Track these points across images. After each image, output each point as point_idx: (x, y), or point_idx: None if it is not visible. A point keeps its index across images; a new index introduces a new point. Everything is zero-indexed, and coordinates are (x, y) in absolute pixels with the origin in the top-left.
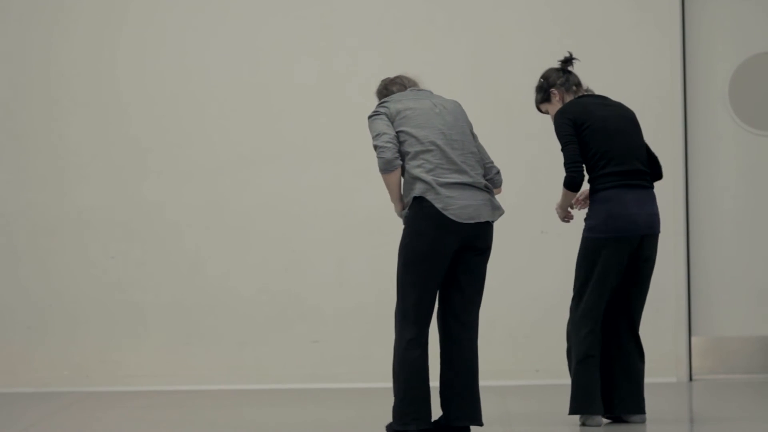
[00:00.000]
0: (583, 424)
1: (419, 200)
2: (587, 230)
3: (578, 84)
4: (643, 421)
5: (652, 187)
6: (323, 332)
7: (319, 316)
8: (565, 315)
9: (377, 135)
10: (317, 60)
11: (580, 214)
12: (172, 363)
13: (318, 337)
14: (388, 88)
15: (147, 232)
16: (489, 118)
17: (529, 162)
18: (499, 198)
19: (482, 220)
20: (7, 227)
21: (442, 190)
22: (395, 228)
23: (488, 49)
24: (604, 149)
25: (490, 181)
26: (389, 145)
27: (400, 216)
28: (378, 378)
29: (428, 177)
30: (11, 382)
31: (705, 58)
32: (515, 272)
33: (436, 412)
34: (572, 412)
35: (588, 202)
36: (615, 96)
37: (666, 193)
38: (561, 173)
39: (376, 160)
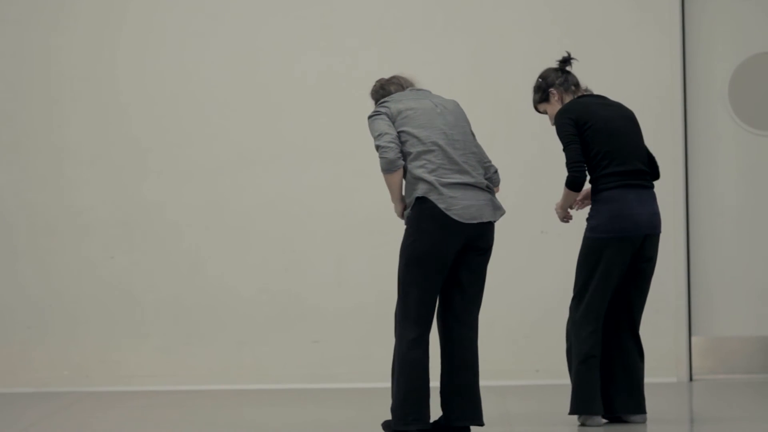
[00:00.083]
0: (582, 425)
1: (422, 200)
2: (589, 230)
3: (577, 84)
4: (644, 421)
5: (653, 187)
6: (323, 332)
7: (319, 316)
8: (565, 315)
9: (379, 135)
10: (317, 60)
11: (579, 215)
12: (172, 363)
13: (318, 337)
14: (384, 88)
15: (147, 232)
16: (489, 118)
17: (529, 162)
18: (500, 198)
19: (484, 220)
20: (7, 227)
21: (445, 191)
22: (395, 228)
23: (488, 49)
24: (606, 149)
25: (488, 180)
26: (392, 145)
27: (400, 216)
28: (378, 378)
29: (431, 177)
30: (11, 382)
31: (705, 58)
32: (515, 272)
33: (435, 413)
34: (573, 412)
35: (586, 202)
36: (615, 96)
37: (666, 193)
38: (561, 173)
39: (375, 160)
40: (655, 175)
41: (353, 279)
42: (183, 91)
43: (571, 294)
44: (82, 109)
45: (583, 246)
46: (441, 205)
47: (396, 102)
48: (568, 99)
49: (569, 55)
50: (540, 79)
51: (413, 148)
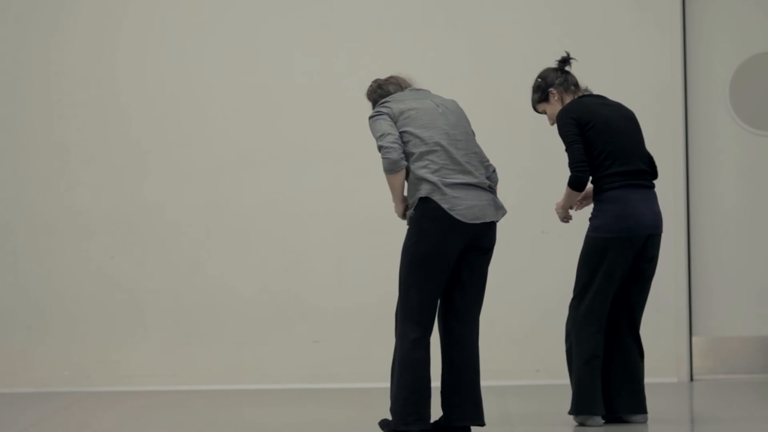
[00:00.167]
0: (581, 425)
1: (425, 201)
2: (593, 230)
3: (576, 84)
4: (645, 421)
5: (654, 187)
6: (323, 332)
7: (319, 316)
8: (566, 315)
9: (381, 135)
10: (317, 60)
11: (579, 215)
12: (172, 363)
13: (318, 337)
14: (382, 88)
15: (147, 232)
16: (489, 118)
17: (530, 162)
18: (499, 198)
19: (487, 220)
20: (7, 227)
21: (448, 191)
22: (395, 228)
23: (488, 49)
24: (609, 149)
25: (488, 179)
26: (395, 145)
27: (401, 217)
28: (378, 378)
29: (434, 178)
30: (11, 382)
31: (705, 58)
32: (515, 272)
33: (435, 413)
34: (574, 412)
35: (585, 203)
36: (615, 96)
37: (666, 193)
38: (561, 173)
39: (375, 160)
40: (654, 174)
41: (353, 279)
42: (183, 91)
43: (571, 294)
44: (82, 109)
45: (586, 246)
46: (444, 206)
47: (397, 102)
48: (567, 99)
49: (568, 55)
50: (539, 79)
51: (416, 148)
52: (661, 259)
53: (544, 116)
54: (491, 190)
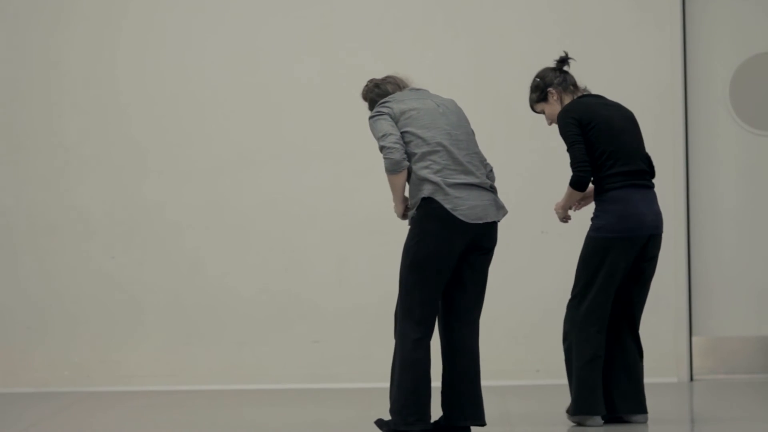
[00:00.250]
0: (579, 424)
1: (428, 201)
2: (595, 230)
3: (575, 84)
4: (645, 421)
5: (654, 187)
6: (323, 332)
7: (319, 316)
8: None
9: (383, 136)
10: (317, 60)
11: (578, 215)
12: (172, 363)
13: (318, 337)
14: (380, 87)
15: (147, 232)
16: (489, 118)
17: (530, 162)
18: (500, 198)
19: (489, 220)
20: (7, 227)
21: (451, 191)
22: (395, 228)
23: (488, 49)
24: (610, 149)
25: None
26: (397, 146)
27: (401, 217)
28: (378, 378)
29: (436, 178)
30: (11, 382)
31: (705, 58)
32: (515, 272)
33: (435, 412)
34: (575, 412)
35: (584, 203)
36: (615, 96)
37: (666, 193)
38: (561, 173)
39: (375, 160)
40: (653, 174)
41: (353, 279)
42: (183, 91)
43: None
44: (82, 109)
45: (587, 245)
46: (447, 206)
47: (398, 102)
48: (567, 99)
49: (567, 54)
50: (538, 79)
51: (418, 148)
52: (661, 259)
53: (543, 116)
54: (492, 190)
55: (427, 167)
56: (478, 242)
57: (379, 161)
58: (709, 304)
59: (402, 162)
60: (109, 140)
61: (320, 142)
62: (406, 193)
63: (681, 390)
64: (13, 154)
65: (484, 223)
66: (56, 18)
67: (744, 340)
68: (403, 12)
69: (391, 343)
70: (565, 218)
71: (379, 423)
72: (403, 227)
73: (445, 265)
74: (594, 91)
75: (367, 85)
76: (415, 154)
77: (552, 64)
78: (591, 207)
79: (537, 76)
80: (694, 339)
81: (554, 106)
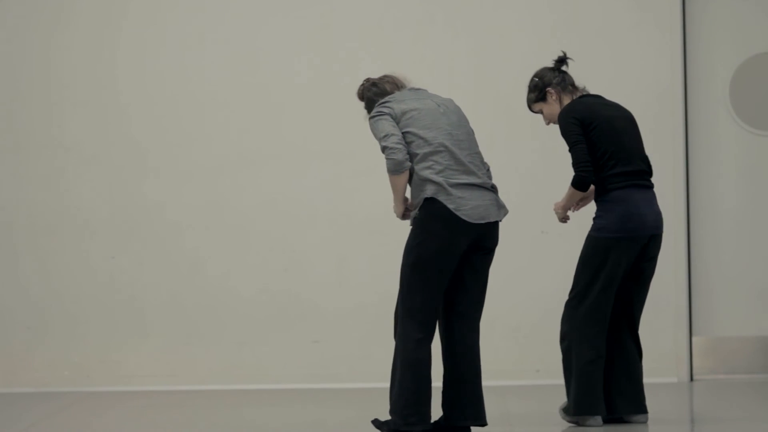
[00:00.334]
0: (578, 424)
1: (431, 201)
2: (597, 230)
3: (573, 84)
4: (646, 421)
5: (653, 187)
6: (323, 332)
7: (319, 316)
8: None
9: (385, 136)
10: (317, 60)
11: (578, 214)
12: (172, 363)
13: (318, 337)
14: (378, 86)
15: (147, 232)
16: (489, 118)
17: (529, 162)
18: (500, 197)
19: (491, 219)
20: (7, 227)
21: (454, 191)
22: (395, 228)
23: (488, 49)
24: (612, 149)
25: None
26: (400, 146)
27: (400, 217)
28: (378, 378)
29: (439, 178)
30: (11, 382)
31: (705, 58)
32: (515, 272)
33: (435, 412)
34: (575, 412)
35: (582, 204)
36: (615, 96)
37: (666, 193)
38: (561, 173)
39: (375, 159)
40: (651, 174)
41: (353, 279)
42: (183, 91)
43: None
44: (82, 109)
45: (588, 246)
46: (450, 206)
47: (399, 102)
48: (565, 98)
49: (565, 54)
50: (536, 78)
51: (420, 149)
52: (661, 259)
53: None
54: (493, 189)
55: (429, 168)
56: (480, 242)
57: (378, 161)
58: (709, 304)
59: (405, 162)
60: (109, 140)
61: (320, 142)
62: (407, 194)
63: (681, 390)
64: (13, 153)
65: (486, 223)
66: (56, 18)
67: (744, 340)
68: (403, 12)
69: (391, 343)
70: (564, 218)
71: (377, 423)
72: (403, 227)
73: (448, 265)
74: (593, 91)
75: (363, 84)
76: (417, 154)
77: (550, 64)
78: (590, 207)
79: (535, 75)
80: (694, 339)
81: (553, 106)
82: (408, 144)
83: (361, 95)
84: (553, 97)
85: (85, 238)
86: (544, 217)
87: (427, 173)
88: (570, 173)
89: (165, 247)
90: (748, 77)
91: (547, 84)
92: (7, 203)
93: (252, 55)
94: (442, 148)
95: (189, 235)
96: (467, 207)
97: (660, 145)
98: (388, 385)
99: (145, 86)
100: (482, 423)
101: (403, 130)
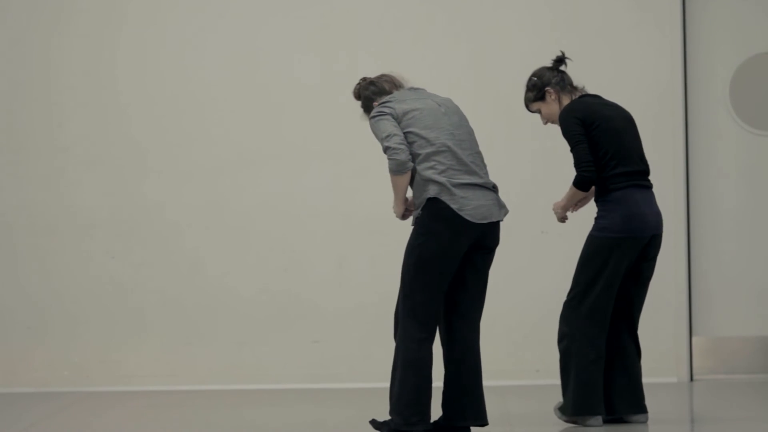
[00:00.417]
0: (578, 424)
1: (434, 201)
2: (598, 230)
3: (572, 84)
4: (645, 421)
5: (652, 187)
6: (323, 332)
7: (319, 316)
8: None
9: (387, 136)
10: (317, 60)
11: (578, 214)
12: (172, 363)
13: (318, 337)
14: (376, 85)
15: (147, 232)
16: (489, 118)
17: (529, 162)
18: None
19: (493, 219)
20: (7, 227)
21: (456, 191)
22: (395, 228)
23: (488, 49)
24: (614, 149)
25: None
26: (402, 146)
27: (400, 217)
28: (378, 378)
29: (441, 178)
30: (11, 382)
31: (705, 58)
32: (515, 272)
33: (435, 412)
34: (575, 413)
35: (581, 204)
36: (615, 96)
37: (666, 193)
38: (561, 173)
39: (375, 159)
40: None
41: (353, 279)
42: (183, 91)
43: None
44: (82, 109)
45: (590, 246)
46: (453, 206)
47: (400, 102)
48: (565, 98)
49: (563, 54)
50: (535, 78)
51: (422, 149)
52: (661, 259)
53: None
54: (494, 189)
55: (431, 168)
56: (482, 242)
57: (378, 161)
58: (709, 304)
59: (407, 163)
60: (109, 140)
61: (320, 142)
62: (408, 194)
63: (681, 390)
64: (13, 154)
65: (488, 223)
66: (56, 18)
67: (744, 340)
68: (403, 12)
69: (391, 342)
70: (563, 218)
71: (375, 424)
72: (403, 227)
73: (450, 265)
74: (593, 91)
75: (360, 83)
76: (419, 154)
77: (549, 63)
78: (589, 207)
79: (534, 75)
80: (694, 339)
81: (552, 106)
82: (410, 144)
83: (358, 94)
84: (552, 97)
85: (85, 238)
86: (544, 217)
87: (429, 173)
88: (570, 173)
89: (165, 247)
90: (748, 77)
91: (546, 83)
92: (7, 203)
93: (252, 55)
94: (444, 149)
95: (189, 235)
96: (470, 207)
97: (660, 145)
98: (388, 385)
99: (145, 86)
100: (482, 423)
101: (405, 131)
